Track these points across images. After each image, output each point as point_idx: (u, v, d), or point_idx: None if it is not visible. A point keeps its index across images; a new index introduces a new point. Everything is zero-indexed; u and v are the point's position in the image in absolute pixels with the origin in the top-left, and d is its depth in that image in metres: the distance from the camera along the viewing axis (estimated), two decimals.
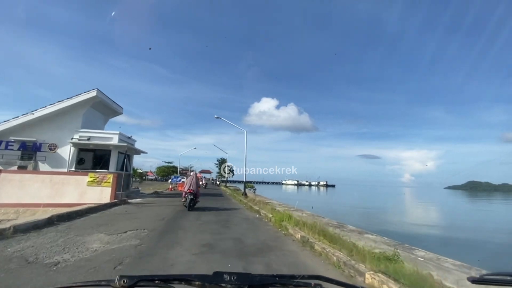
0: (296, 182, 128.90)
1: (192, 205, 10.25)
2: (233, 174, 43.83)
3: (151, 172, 72.29)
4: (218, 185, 42.53)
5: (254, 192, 27.95)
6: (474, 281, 0.99)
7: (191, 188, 10.50)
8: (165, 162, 68.38)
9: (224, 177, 42.20)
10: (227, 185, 41.45)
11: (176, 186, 26.29)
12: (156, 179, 62.62)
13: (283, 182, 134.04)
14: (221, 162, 44.52)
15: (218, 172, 49.81)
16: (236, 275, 0.89)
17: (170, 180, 28.99)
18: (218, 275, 0.89)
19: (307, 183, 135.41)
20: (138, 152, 18.40)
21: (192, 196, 10.26)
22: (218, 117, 21.11)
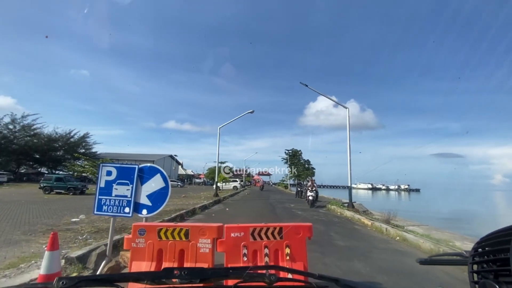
0: (370, 186, 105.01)
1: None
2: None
3: (203, 174, 63.21)
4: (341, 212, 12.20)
5: None
6: (421, 262, 0.98)
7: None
8: (217, 162, 56.01)
9: (302, 178, 22.94)
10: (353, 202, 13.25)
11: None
12: (204, 183, 51.65)
13: (354, 186, 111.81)
14: (292, 155, 26.29)
15: (290, 172, 27.41)
16: (187, 270, 0.84)
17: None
18: (168, 271, 0.84)
19: (383, 187, 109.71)
20: None
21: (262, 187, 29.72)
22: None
